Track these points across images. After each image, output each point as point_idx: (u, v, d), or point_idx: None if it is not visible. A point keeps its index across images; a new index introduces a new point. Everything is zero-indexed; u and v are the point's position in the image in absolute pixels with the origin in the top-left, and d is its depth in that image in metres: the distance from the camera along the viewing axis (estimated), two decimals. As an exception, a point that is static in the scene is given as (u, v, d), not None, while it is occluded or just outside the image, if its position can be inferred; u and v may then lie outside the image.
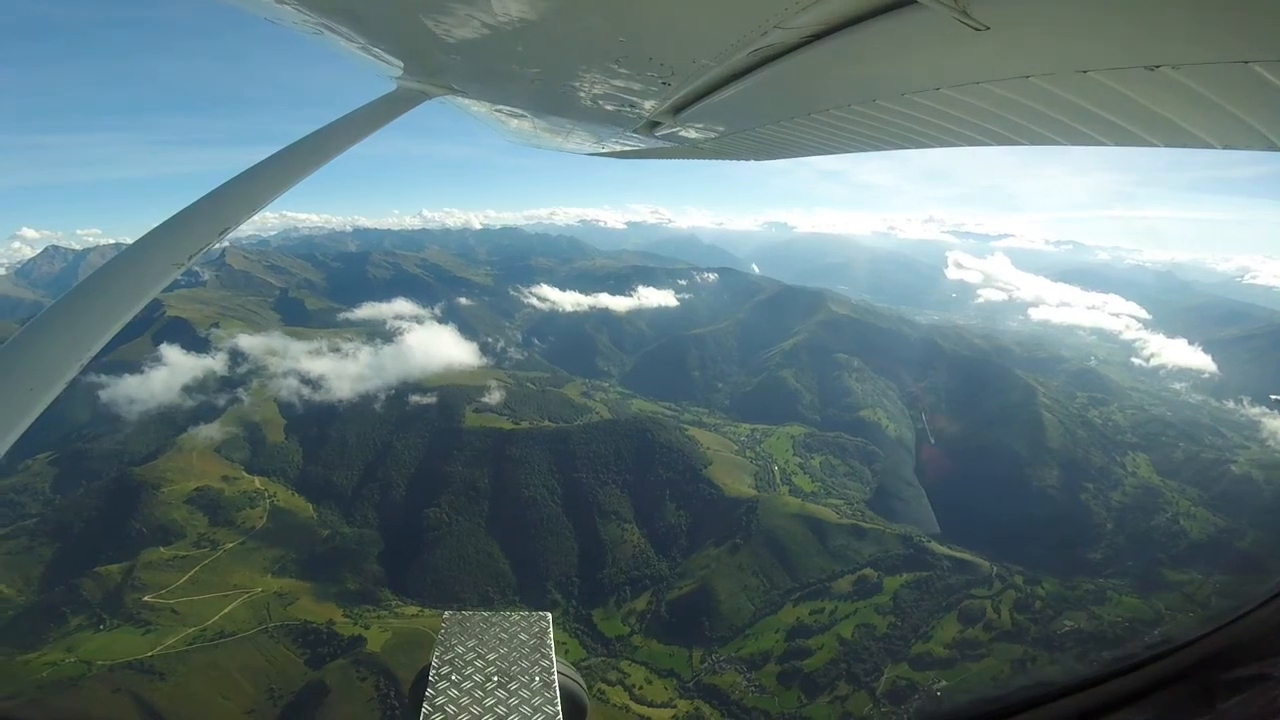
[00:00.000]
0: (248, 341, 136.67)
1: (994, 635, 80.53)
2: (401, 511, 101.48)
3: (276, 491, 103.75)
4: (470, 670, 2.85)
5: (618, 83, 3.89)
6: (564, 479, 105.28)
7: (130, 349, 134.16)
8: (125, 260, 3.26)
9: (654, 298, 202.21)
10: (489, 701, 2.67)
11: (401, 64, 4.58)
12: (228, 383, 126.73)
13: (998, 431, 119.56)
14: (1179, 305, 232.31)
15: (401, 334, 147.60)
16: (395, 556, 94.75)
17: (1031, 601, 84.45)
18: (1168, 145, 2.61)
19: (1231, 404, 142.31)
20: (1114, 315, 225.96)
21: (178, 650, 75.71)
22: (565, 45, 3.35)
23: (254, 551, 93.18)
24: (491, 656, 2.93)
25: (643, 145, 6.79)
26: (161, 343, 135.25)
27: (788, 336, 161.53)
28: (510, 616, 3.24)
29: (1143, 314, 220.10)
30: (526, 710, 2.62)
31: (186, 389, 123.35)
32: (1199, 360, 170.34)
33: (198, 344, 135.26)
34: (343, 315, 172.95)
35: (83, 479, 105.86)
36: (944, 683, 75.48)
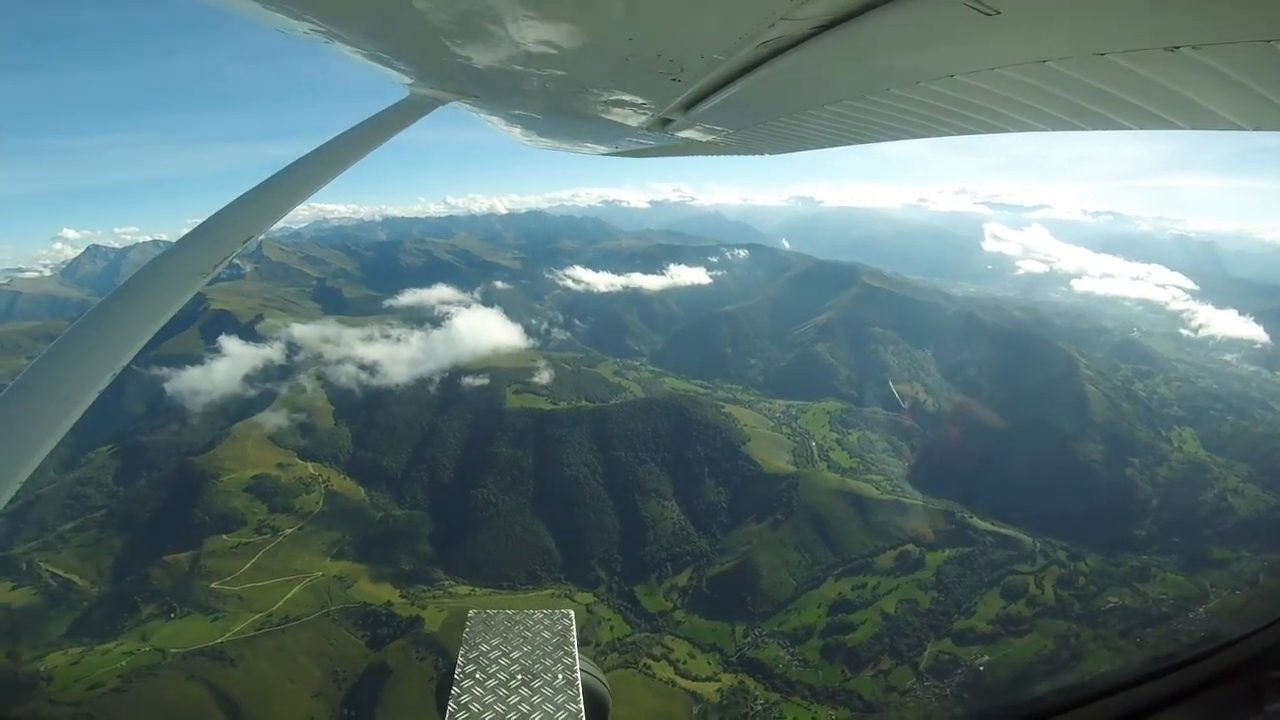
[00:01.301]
0: (300, 331, 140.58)
1: (1037, 611, 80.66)
2: (449, 493, 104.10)
3: (329, 476, 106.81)
4: (494, 669, 2.93)
5: (628, 82, 3.96)
6: (604, 457, 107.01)
7: (179, 341, 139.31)
8: (149, 274, 3.36)
9: (687, 276, 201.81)
10: (513, 700, 2.75)
11: (414, 70, 4.64)
12: (280, 372, 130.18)
13: (1040, 405, 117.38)
14: (1226, 275, 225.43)
15: (449, 318, 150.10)
16: (445, 537, 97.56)
17: (1075, 578, 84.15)
18: (1192, 127, 2.61)
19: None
20: (1159, 286, 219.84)
21: (246, 636, 78.94)
22: (574, 47, 3.34)
23: (312, 535, 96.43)
24: (515, 655, 3.02)
25: (656, 144, 6.75)
26: (209, 335, 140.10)
27: (821, 311, 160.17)
28: (533, 615, 3.30)
29: (1189, 284, 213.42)
30: (550, 708, 2.70)
31: (248, 379, 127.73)
32: (1251, 331, 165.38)
33: (248, 335, 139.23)
34: (387, 302, 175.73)
35: (143, 470, 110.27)
36: (987, 658, 76.09)
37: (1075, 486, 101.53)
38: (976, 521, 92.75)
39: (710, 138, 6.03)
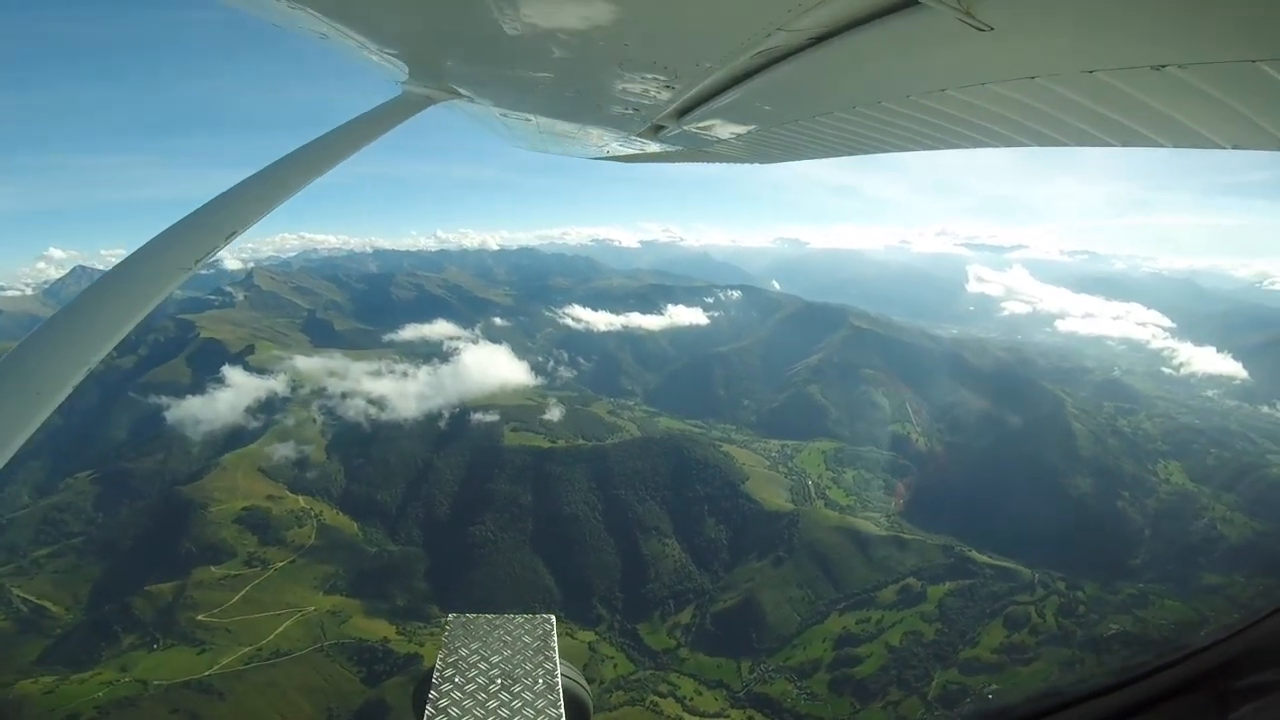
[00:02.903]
0: (305, 364, 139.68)
1: (1040, 639, 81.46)
2: (446, 529, 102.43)
3: (322, 510, 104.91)
4: (474, 673, 2.90)
5: (622, 86, 3.92)
6: (603, 495, 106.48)
7: (167, 370, 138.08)
8: (134, 263, 3.22)
9: (685, 316, 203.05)
10: (492, 704, 2.72)
11: (407, 68, 4.60)
12: (280, 404, 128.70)
13: (1029, 442, 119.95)
14: (1201, 312, 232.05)
15: (457, 354, 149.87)
16: (442, 573, 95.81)
17: (1075, 606, 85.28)
18: (1175, 145, 2.64)
19: (1266, 409, 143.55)
20: (1139, 325, 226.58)
21: (234, 670, 76.41)
22: (569, 49, 3.31)
23: (304, 569, 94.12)
24: (495, 659, 2.99)
25: (648, 149, 6.81)
26: (197, 364, 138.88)
27: (812, 352, 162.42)
28: (514, 619, 3.29)
29: (1166, 322, 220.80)
30: (530, 713, 2.67)
31: (249, 410, 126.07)
32: (1229, 367, 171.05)
33: (242, 365, 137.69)
34: (387, 336, 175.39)
35: (125, 498, 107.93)
36: (995, 686, 76.13)
37: (1067, 519, 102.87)
38: (975, 554, 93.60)
39: (702, 145, 6.10)
